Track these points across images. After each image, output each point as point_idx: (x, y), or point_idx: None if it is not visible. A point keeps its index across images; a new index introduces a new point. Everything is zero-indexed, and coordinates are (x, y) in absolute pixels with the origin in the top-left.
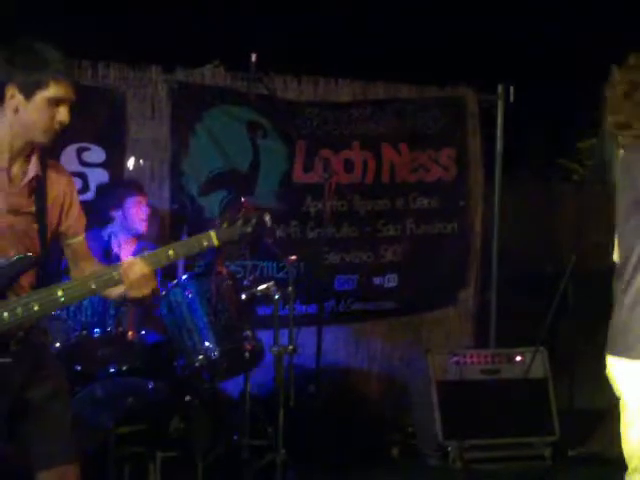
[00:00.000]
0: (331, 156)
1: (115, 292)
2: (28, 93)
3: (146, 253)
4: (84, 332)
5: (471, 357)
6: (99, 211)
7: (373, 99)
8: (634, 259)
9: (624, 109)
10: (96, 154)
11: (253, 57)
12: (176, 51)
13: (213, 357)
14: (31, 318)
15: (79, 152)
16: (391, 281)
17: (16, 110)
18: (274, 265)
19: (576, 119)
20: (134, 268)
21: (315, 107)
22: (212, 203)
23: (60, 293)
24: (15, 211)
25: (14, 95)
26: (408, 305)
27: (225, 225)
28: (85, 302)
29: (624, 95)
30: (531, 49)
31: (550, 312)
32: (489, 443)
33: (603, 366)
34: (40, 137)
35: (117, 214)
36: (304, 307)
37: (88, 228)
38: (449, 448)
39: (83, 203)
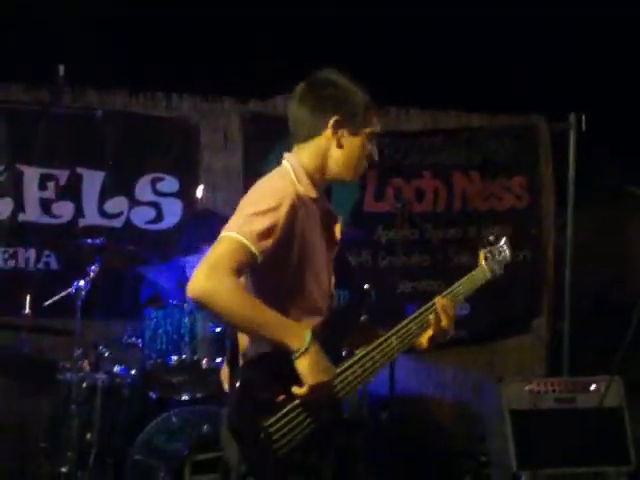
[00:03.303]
0: (402, 185)
1: (421, 340)
2: (356, 128)
3: (445, 292)
4: (159, 360)
5: (545, 386)
6: (186, 241)
7: (444, 128)
8: None
9: None
10: (170, 184)
11: None
12: (249, 82)
13: None
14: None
15: (153, 182)
16: (463, 309)
17: (340, 145)
18: (346, 294)
19: None
20: (448, 309)
21: (386, 137)
22: None
23: (395, 342)
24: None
25: (336, 129)
26: (480, 333)
27: (491, 257)
28: (160, 330)
29: None
30: (603, 76)
31: (625, 340)
32: (564, 473)
33: None
34: (350, 175)
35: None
36: None
37: (169, 256)
38: (523, 478)
39: (160, 233)
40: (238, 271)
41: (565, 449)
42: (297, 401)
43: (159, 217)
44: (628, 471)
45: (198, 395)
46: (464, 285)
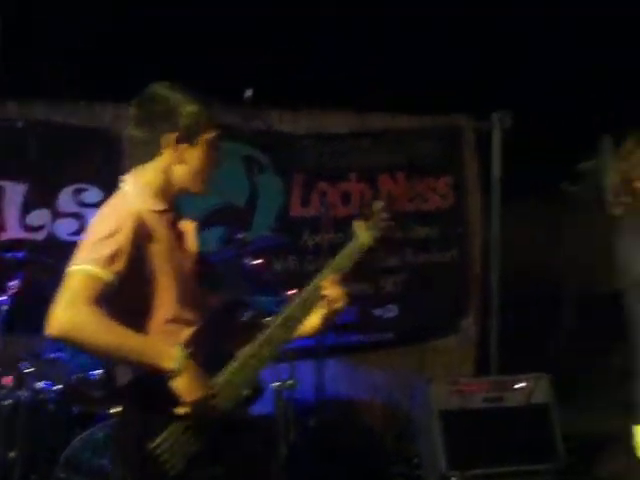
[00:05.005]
0: (328, 189)
1: (309, 324)
2: (194, 140)
3: (326, 269)
4: (83, 374)
5: (473, 386)
6: None
7: (369, 130)
8: None
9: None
10: (93, 194)
11: (248, 92)
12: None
13: None
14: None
15: (76, 193)
16: (391, 311)
17: (182, 161)
18: (272, 300)
19: (575, 141)
20: (335, 281)
21: (311, 140)
22: (209, 239)
23: (279, 333)
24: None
25: (175, 145)
26: (409, 335)
27: (365, 225)
28: None
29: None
30: (527, 74)
31: (552, 338)
32: (493, 472)
33: (606, 391)
34: (198, 187)
35: None
36: (304, 341)
37: None
38: (453, 478)
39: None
40: (95, 301)
41: (494, 448)
42: (182, 418)
43: (82, 228)
44: (557, 468)
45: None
46: (342, 258)
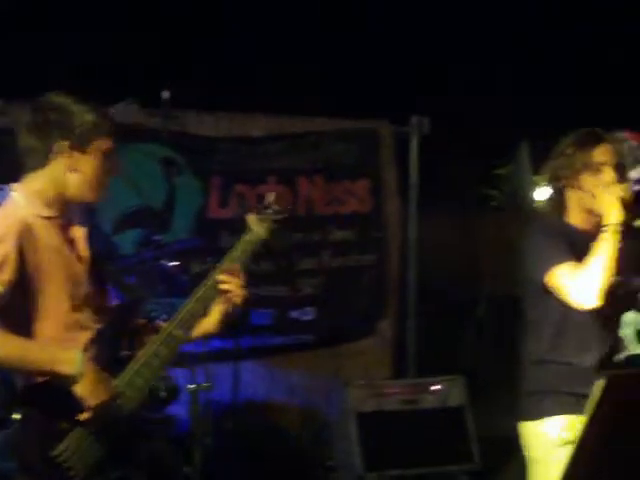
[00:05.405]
0: (247, 191)
1: (210, 321)
2: (88, 149)
3: (222, 262)
4: None
5: (389, 388)
6: None
7: (288, 133)
8: None
9: None
10: (3, 193)
11: (165, 94)
12: (88, 88)
13: None
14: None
15: None
16: (308, 314)
17: (74, 169)
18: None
19: (492, 146)
20: (234, 271)
21: (230, 142)
22: (126, 241)
23: (178, 332)
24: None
25: (69, 152)
26: (326, 338)
27: (259, 218)
28: None
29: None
30: (445, 80)
31: (467, 340)
32: (409, 473)
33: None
34: (92, 196)
35: None
36: (220, 343)
37: None
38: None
39: None
40: None
41: (410, 450)
42: (84, 423)
43: None
44: (472, 469)
45: None
46: (236, 251)
